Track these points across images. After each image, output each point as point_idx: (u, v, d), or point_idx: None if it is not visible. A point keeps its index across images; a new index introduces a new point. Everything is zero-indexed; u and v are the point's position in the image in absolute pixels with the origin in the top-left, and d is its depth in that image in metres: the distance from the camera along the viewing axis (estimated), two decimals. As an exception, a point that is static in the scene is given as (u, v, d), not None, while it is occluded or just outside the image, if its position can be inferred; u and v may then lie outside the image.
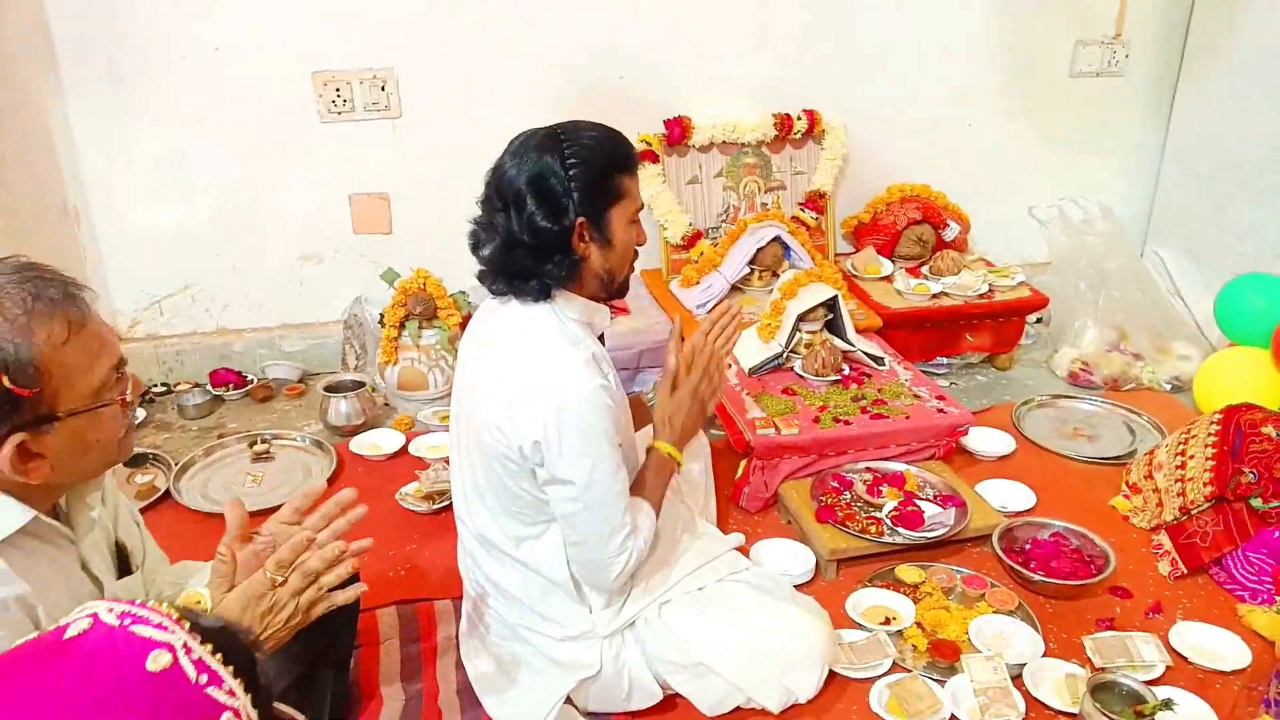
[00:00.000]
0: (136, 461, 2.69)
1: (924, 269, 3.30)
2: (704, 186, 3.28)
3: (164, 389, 3.14)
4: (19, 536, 1.13)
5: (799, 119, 3.25)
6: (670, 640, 1.76)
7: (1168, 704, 1.68)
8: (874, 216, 3.41)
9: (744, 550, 2.18)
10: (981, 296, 3.14)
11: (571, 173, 1.55)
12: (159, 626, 0.55)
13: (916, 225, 3.34)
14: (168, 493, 2.53)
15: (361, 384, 2.91)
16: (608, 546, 1.64)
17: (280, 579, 1.31)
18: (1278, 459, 2.22)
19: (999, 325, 3.21)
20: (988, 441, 2.74)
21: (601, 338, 1.80)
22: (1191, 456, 2.36)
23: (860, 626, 2.04)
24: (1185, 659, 1.95)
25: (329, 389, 2.88)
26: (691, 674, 1.76)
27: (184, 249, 3.08)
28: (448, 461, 2.20)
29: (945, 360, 3.25)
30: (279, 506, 1.45)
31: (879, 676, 1.90)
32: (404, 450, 2.74)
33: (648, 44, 3.14)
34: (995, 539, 2.24)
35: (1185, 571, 2.23)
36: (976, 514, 2.29)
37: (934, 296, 3.13)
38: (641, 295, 3.20)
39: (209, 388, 3.10)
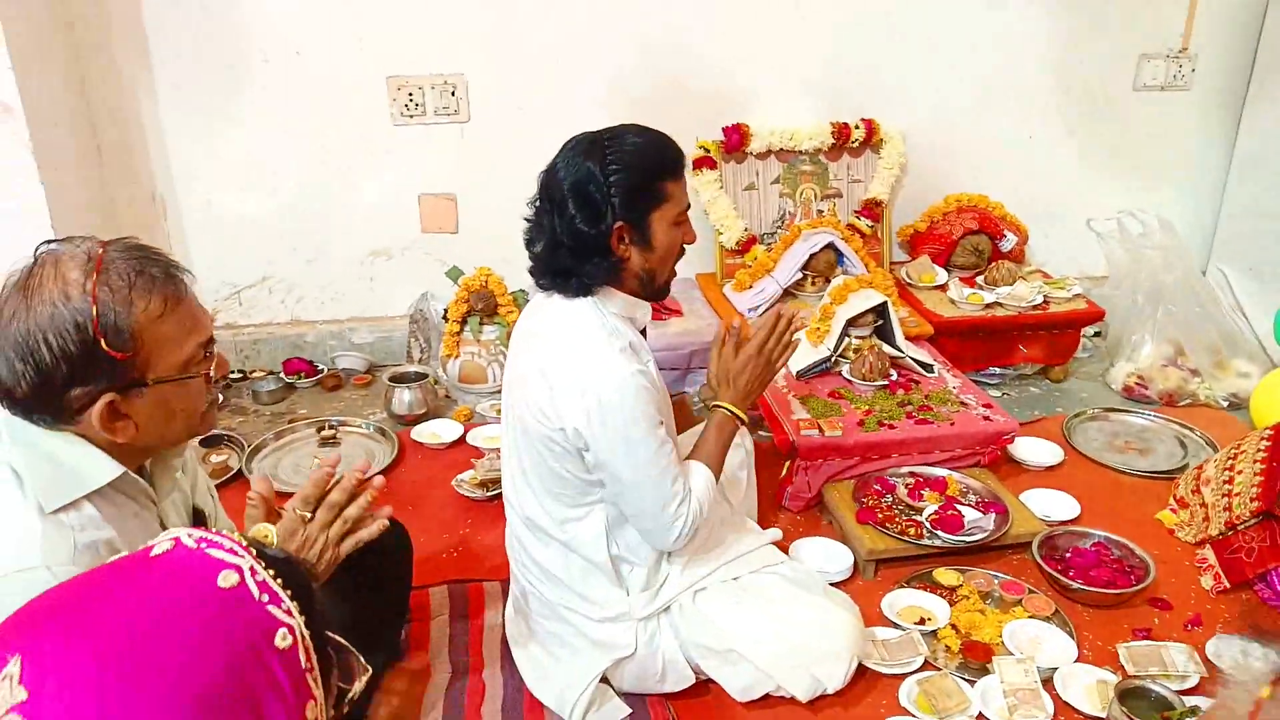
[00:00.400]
0: (212, 442, 2.85)
1: (979, 279, 3.31)
2: (760, 193, 3.34)
3: (240, 375, 3.31)
4: (109, 490, 1.25)
5: (857, 128, 3.29)
6: (704, 626, 1.83)
7: (1194, 711, 1.70)
8: (930, 225, 3.43)
9: (783, 546, 2.24)
10: (1036, 308, 3.14)
11: (611, 179, 1.63)
12: (230, 551, 0.65)
13: (973, 235, 3.35)
14: (240, 472, 2.68)
15: (424, 376, 3.04)
16: (662, 516, 1.72)
17: (308, 514, 1.41)
18: (1327, 477, 2.20)
19: (1053, 337, 3.21)
20: (1036, 451, 2.75)
21: (644, 332, 1.88)
22: (1240, 472, 2.35)
23: (895, 625, 2.09)
24: (1220, 671, 1.96)
25: (394, 379, 3.02)
26: (723, 659, 1.83)
27: (262, 242, 3.25)
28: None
29: (998, 370, 3.26)
30: None
31: (910, 673, 1.94)
32: (462, 440, 2.85)
33: (709, 52, 3.22)
34: (1035, 546, 2.26)
35: (1228, 586, 2.23)
36: (1018, 521, 2.32)
37: (987, 306, 3.14)
38: (695, 298, 3.27)
39: (282, 375, 3.26)
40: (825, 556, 2.29)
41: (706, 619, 1.84)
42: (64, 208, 2.69)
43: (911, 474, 2.46)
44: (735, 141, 3.24)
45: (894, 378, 2.72)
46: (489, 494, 2.52)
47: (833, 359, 2.75)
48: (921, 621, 2.09)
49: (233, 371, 3.32)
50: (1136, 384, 3.14)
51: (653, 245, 1.72)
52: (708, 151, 3.24)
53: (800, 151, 3.31)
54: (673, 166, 1.71)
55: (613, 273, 1.72)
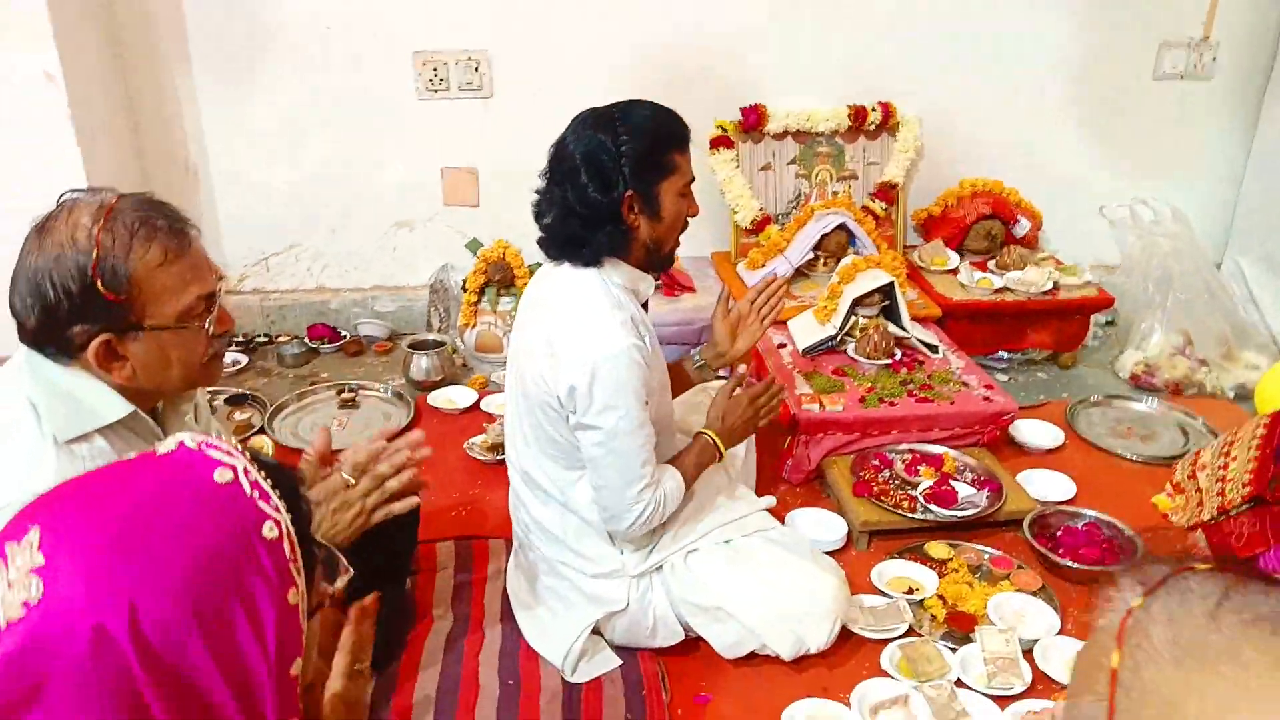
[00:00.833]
0: (237, 401, 2.97)
1: (990, 263, 3.34)
2: (776, 173, 3.39)
3: (266, 339, 3.43)
4: (120, 427, 1.34)
5: (873, 111, 3.33)
6: (693, 585, 1.91)
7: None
8: (944, 210, 3.46)
9: (780, 516, 2.31)
10: (1045, 293, 3.17)
11: (623, 149, 1.70)
12: (226, 453, 0.74)
13: (986, 220, 3.38)
14: (262, 429, 2.79)
15: (442, 344, 3.13)
16: (625, 495, 1.79)
17: (353, 480, 1.52)
18: (1319, 463, 2.23)
19: (1063, 323, 3.24)
20: (1037, 434, 2.79)
21: (646, 306, 1.96)
22: (1234, 458, 2.38)
23: (883, 594, 2.16)
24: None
25: (412, 346, 3.12)
26: (710, 617, 1.91)
27: (290, 212, 3.36)
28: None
29: (1007, 355, 3.30)
30: None
31: (894, 639, 2.01)
32: (476, 406, 2.95)
33: (730, 32, 3.26)
34: (1027, 524, 2.31)
35: (1216, 568, 2.26)
36: (1011, 499, 2.37)
37: (997, 291, 3.18)
38: (709, 275, 3.33)
39: (306, 340, 3.37)
40: (820, 526, 2.36)
41: (696, 578, 1.92)
42: (100, 174, 2.80)
43: (910, 450, 2.52)
44: (753, 122, 3.29)
45: (898, 357, 2.77)
46: (498, 457, 2.61)
47: (839, 337, 2.81)
48: (910, 591, 2.15)
49: (260, 335, 3.44)
50: (1143, 372, 3.17)
51: (661, 215, 1.79)
52: (725, 131, 3.29)
53: (817, 133, 3.36)
54: (681, 139, 1.78)
55: (622, 242, 1.79)
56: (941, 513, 2.31)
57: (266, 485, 0.73)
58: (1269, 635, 0.58)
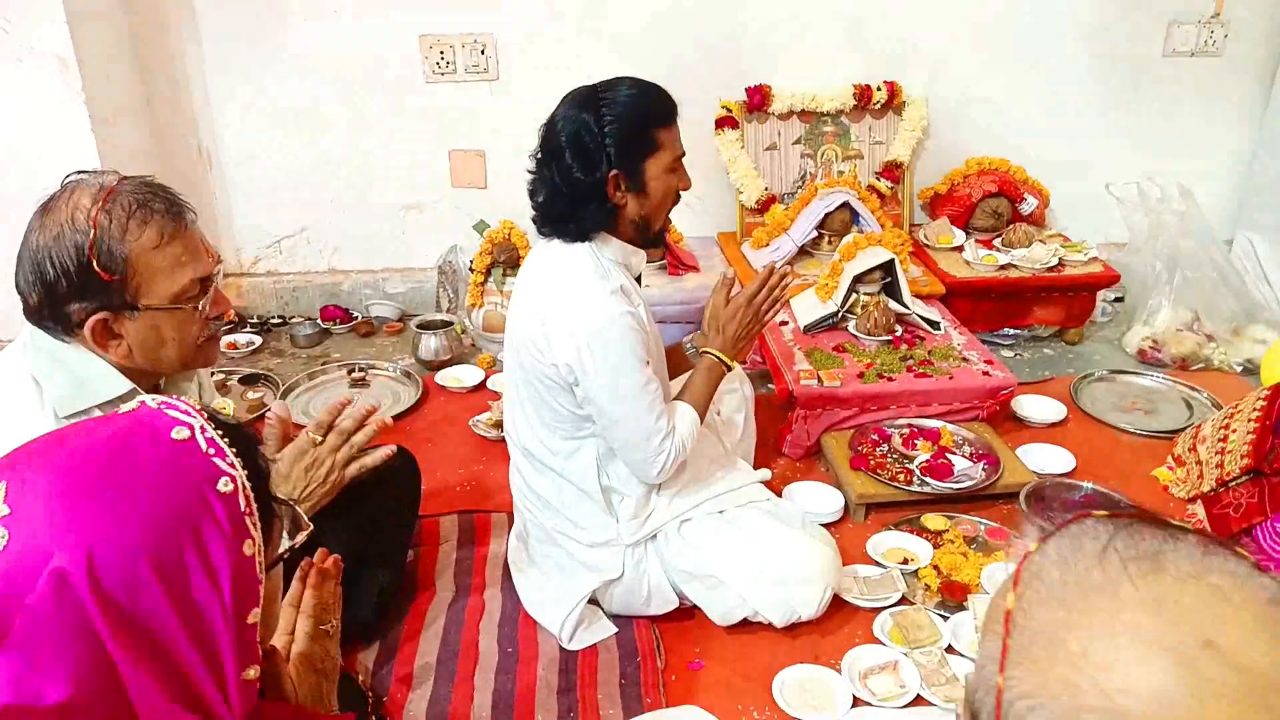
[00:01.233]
0: (251, 380, 3.03)
1: (996, 241, 3.35)
2: (782, 153, 3.40)
3: (280, 320, 3.49)
4: (119, 404, 1.39)
5: (879, 90, 3.33)
6: (687, 553, 1.95)
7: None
8: (950, 188, 3.47)
9: (776, 488, 2.34)
10: (1050, 270, 3.17)
11: (606, 129, 1.73)
12: (185, 413, 0.78)
13: (992, 198, 3.38)
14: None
15: (450, 324, 3.18)
16: (646, 448, 1.83)
17: (319, 438, 1.57)
18: (1317, 435, 2.23)
19: (1069, 300, 3.24)
20: (1039, 409, 2.80)
21: (639, 280, 1.99)
22: (1234, 430, 2.39)
23: (878, 565, 2.18)
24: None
25: (421, 326, 3.17)
26: (703, 585, 1.95)
27: (301, 195, 3.41)
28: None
29: (1012, 331, 3.30)
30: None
31: (886, 608, 2.04)
32: (482, 385, 2.99)
33: (734, 12, 3.28)
34: (1023, 496, 2.33)
35: (1213, 540, 2.27)
36: (1008, 472, 2.38)
37: (1001, 268, 3.18)
38: (714, 255, 3.36)
39: (319, 321, 3.43)
40: (817, 499, 2.38)
41: (690, 547, 1.95)
42: (114, 159, 2.86)
43: (908, 425, 2.54)
44: (757, 102, 3.30)
45: (899, 333, 2.79)
46: (502, 434, 2.64)
47: (840, 314, 2.83)
48: (905, 562, 2.18)
49: (274, 316, 3.50)
50: (1150, 348, 3.16)
51: (647, 192, 1.82)
52: (730, 111, 3.31)
53: (822, 113, 3.36)
54: (664, 115, 1.80)
55: (609, 219, 1.82)
56: (937, 485, 2.33)
57: (223, 443, 0.77)
58: (1147, 572, 0.60)
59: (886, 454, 2.44)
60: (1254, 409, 2.38)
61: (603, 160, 1.74)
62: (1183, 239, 3.18)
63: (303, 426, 1.69)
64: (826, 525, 2.28)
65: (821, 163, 3.42)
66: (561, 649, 1.94)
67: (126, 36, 3.06)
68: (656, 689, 1.84)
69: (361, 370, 3.08)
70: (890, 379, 2.58)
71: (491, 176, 3.41)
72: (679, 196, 1.92)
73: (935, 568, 2.16)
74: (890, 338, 2.77)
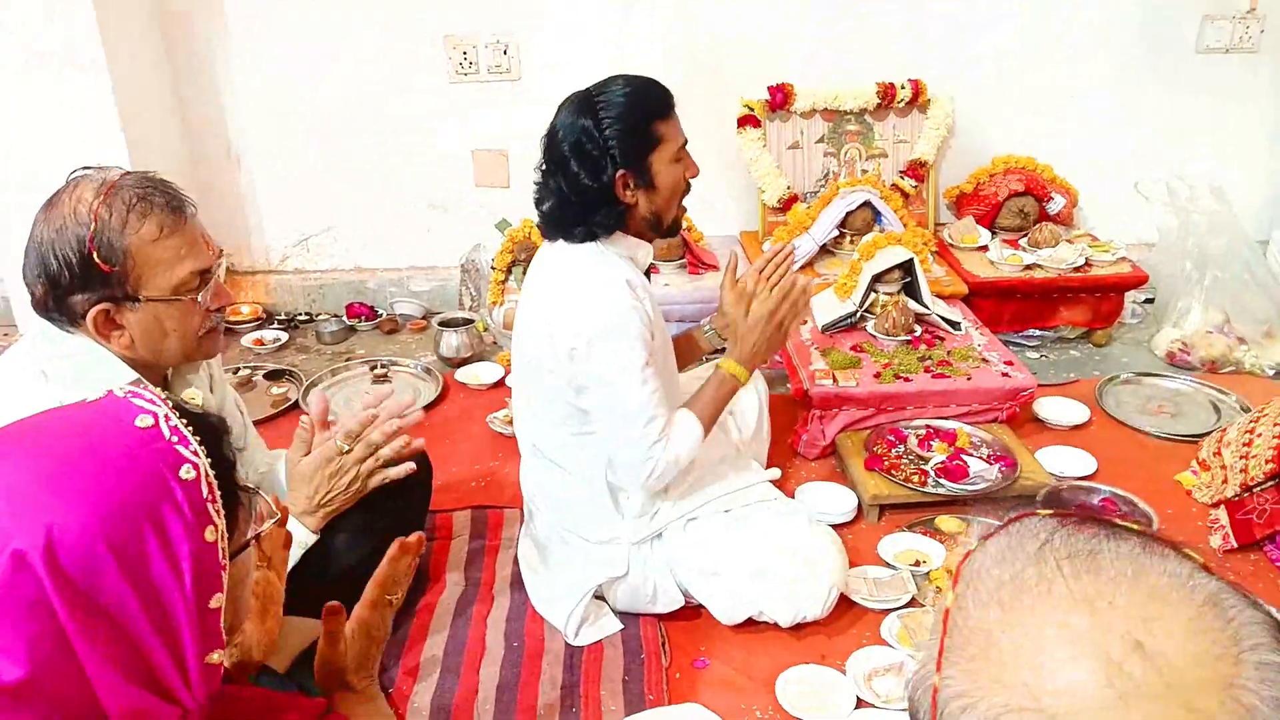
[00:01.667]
0: (276, 376, 3.09)
1: (1022, 241, 3.30)
2: (805, 151, 3.39)
3: (307, 317, 3.54)
4: None
5: (903, 88, 3.30)
6: (693, 552, 1.95)
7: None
8: (976, 187, 3.43)
9: (787, 488, 2.34)
10: (1077, 270, 3.13)
11: (606, 131, 1.73)
12: (150, 401, 0.80)
13: (1018, 197, 3.34)
14: (296, 403, 2.90)
15: (471, 321, 3.21)
16: (634, 452, 1.83)
17: (347, 447, 1.60)
18: (1343, 440, 2.18)
19: (1096, 301, 3.19)
20: (1062, 411, 2.76)
21: (648, 274, 1.99)
22: (1259, 434, 2.34)
23: (890, 566, 2.17)
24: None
25: (442, 324, 3.20)
26: (709, 584, 1.94)
27: (328, 193, 3.46)
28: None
29: (1037, 332, 3.26)
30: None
31: (895, 609, 2.02)
32: (501, 382, 3.01)
33: (756, 10, 3.27)
34: (1040, 499, 2.30)
35: (1235, 546, 2.23)
36: (1026, 474, 2.35)
37: (1027, 268, 3.14)
38: (735, 254, 3.34)
39: (344, 319, 3.47)
40: (831, 500, 2.37)
41: (696, 545, 1.95)
42: (144, 159, 2.91)
43: (925, 426, 2.52)
44: (779, 100, 3.29)
45: (918, 333, 2.76)
46: (519, 431, 2.67)
47: (858, 314, 2.81)
48: (917, 564, 2.16)
49: (301, 313, 3.56)
50: (1179, 350, 3.10)
51: (656, 186, 1.82)
52: (752, 110, 3.30)
53: (845, 111, 3.34)
54: (662, 108, 1.80)
55: (621, 219, 1.83)
56: (952, 487, 2.31)
57: (187, 431, 0.79)
58: (1082, 572, 0.60)
59: (902, 455, 2.42)
60: (1280, 413, 2.33)
61: (608, 163, 1.74)
62: (1213, 239, 3.12)
63: (334, 422, 1.71)
64: (839, 526, 2.27)
65: (845, 161, 3.40)
66: (567, 645, 1.94)
67: (156, 37, 3.13)
68: (659, 686, 1.84)
69: (383, 367, 3.11)
70: (907, 379, 2.56)
71: (515, 176, 3.43)
72: (689, 185, 1.91)
73: (948, 570, 2.13)
74: (909, 338, 2.74)
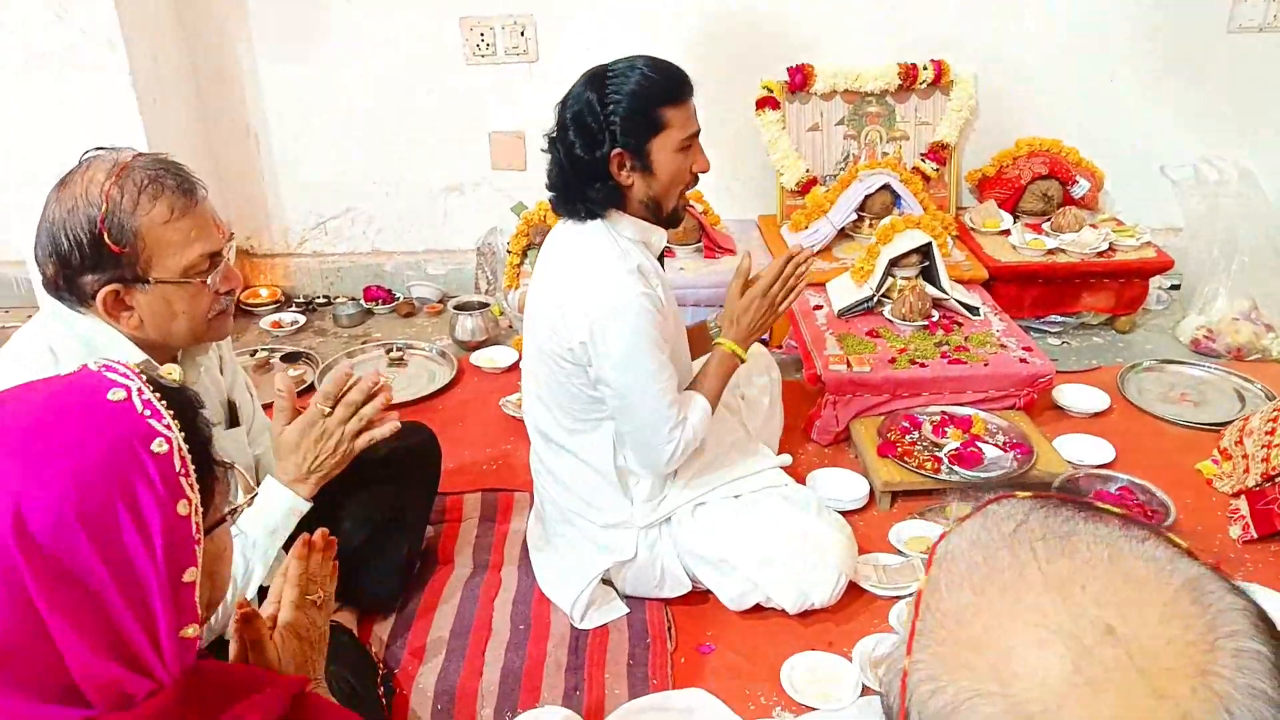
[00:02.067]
0: (292, 358, 3.10)
1: (1046, 225, 3.25)
2: (825, 134, 3.35)
3: (325, 300, 3.56)
4: None
5: (925, 69, 3.25)
6: (700, 537, 1.94)
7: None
8: (999, 170, 3.37)
9: (800, 474, 2.32)
10: (1100, 255, 3.07)
11: (609, 108, 1.72)
12: (123, 375, 0.80)
13: (1042, 180, 3.29)
14: (312, 385, 2.91)
15: (486, 305, 3.20)
16: (655, 437, 1.82)
17: (327, 409, 1.58)
18: (1369, 430, 2.13)
19: (1120, 286, 3.13)
20: (1082, 399, 2.72)
21: (662, 259, 1.97)
22: (1283, 423, 2.29)
23: (899, 553, 2.14)
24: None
25: (458, 308, 3.20)
26: (716, 569, 1.93)
27: (346, 176, 3.46)
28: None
29: (1059, 318, 3.21)
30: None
31: (904, 596, 2.00)
32: (515, 366, 3.00)
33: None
34: (1055, 486, 2.26)
35: (1255, 536, 2.19)
36: (1042, 461, 2.32)
37: (1049, 252, 3.08)
38: (753, 238, 3.32)
39: (361, 302, 3.48)
40: (842, 486, 2.35)
41: (704, 530, 1.94)
42: (163, 142, 2.93)
43: (941, 412, 2.48)
44: (799, 82, 3.25)
45: (935, 319, 2.73)
46: (531, 414, 2.67)
47: (875, 298, 2.78)
48: (928, 551, 2.13)
49: (319, 296, 3.57)
50: (1205, 337, 3.04)
51: (655, 172, 1.79)
52: (771, 91, 3.26)
53: (866, 93, 3.30)
54: (671, 94, 1.77)
55: (615, 198, 1.81)
56: (965, 474, 2.28)
57: (160, 406, 0.79)
58: (1056, 555, 0.58)
59: (916, 441, 2.40)
60: (1305, 401, 2.28)
61: (606, 139, 1.73)
62: (1242, 223, 3.05)
63: (389, 414, 1.71)
64: (851, 513, 2.25)
65: (865, 144, 3.36)
66: (573, 628, 1.94)
67: (174, 20, 3.14)
68: (664, 670, 1.83)
69: (399, 350, 3.12)
70: (922, 365, 2.53)
71: (531, 158, 3.42)
72: (696, 178, 1.88)
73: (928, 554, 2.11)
74: (926, 323, 2.71)
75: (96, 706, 0.74)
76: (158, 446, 0.77)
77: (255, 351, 3.14)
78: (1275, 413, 2.34)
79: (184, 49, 3.19)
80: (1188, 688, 0.52)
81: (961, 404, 2.51)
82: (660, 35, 3.20)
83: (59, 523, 0.72)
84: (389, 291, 3.53)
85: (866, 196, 3.12)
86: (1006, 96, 3.37)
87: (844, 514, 2.18)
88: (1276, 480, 2.23)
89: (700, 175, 1.89)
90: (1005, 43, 3.30)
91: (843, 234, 3.18)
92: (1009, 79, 3.35)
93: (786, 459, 2.15)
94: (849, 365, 2.50)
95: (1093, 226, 3.18)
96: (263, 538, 1.53)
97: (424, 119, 3.37)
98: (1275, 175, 3.34)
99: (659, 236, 1.92)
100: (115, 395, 0.78)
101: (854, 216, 3.15)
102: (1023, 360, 2.55)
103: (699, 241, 3.20)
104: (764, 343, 2.49)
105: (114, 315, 1.42)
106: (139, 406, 0.78)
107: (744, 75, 3.28)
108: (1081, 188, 3.30)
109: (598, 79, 1.75)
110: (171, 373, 0.83)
